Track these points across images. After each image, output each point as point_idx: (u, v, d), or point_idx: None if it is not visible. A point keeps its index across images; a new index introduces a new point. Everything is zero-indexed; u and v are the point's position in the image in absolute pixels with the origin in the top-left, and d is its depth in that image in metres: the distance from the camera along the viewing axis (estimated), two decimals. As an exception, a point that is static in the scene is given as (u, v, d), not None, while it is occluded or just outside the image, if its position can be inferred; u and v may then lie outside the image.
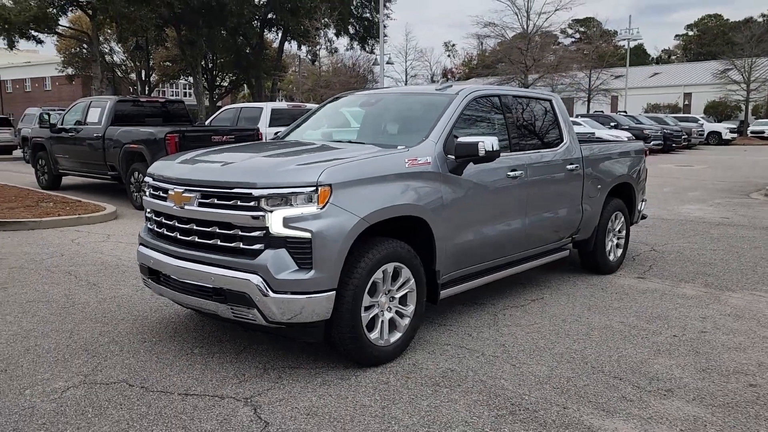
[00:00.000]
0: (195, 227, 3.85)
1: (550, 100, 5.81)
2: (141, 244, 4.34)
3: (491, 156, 4.34)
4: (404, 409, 3.37)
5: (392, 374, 3.83)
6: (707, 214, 10.42)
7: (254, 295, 3.55)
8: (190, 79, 46.98)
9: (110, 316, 4.89)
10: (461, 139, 4.33)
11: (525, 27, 19.74)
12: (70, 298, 5.39)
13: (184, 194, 3.86)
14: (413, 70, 46.32)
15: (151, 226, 4.31)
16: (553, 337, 4.54)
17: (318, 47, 36.27)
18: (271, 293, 3.51)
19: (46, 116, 12.68)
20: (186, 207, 3.85)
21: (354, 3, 38.85)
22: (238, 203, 3.63)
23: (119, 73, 50.85)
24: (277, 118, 13.24)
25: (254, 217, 3.57)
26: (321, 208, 3.56)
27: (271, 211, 3.54)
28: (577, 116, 33.46)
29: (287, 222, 3.52)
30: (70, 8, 28.76)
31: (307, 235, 3.51)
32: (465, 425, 3.21)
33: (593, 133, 25.11)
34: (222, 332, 4.52)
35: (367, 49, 41.02)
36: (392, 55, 63.95)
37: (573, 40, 71.75)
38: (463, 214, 4.46)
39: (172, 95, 60.78)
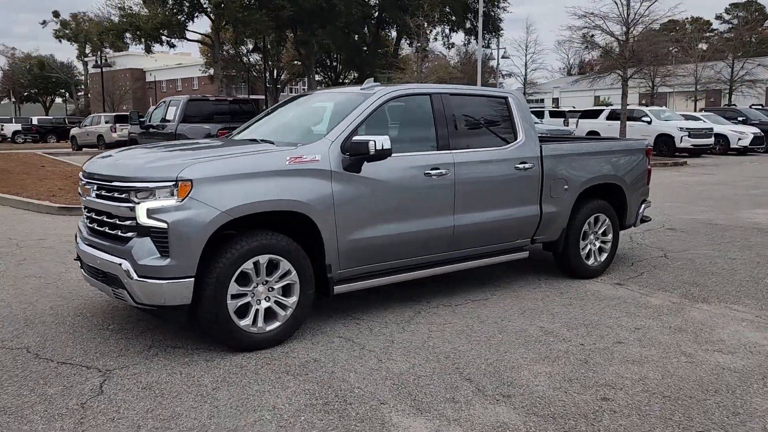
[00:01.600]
0: (94, 216, 4.33)
1: (505, 98, 5.67)
2: (76, 233, 4.90)
3: (382, 154, 4.42)
4: (231, 392, 3.59)
5: (255, 360, 4.05)
6: (770, 219, 9.42)
7: (123, 278, 3.94)
8: (317, 77, 49.15)
9: (75, 293, 5.53)
10: (355, 138, 4.44)
11: (625, 16, 18.55)
12: (62, 275, 6.14)
13: (85, 186, 4.34)
14: (534, 63, 44.85)
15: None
16: (451, 337, 4.51)
17: (427, 43, 36.43)
18: (135, 277, 3.88)
19: (134, 114, 14.12)
20: (87, 198, 4.33)
21: (469, -2, 38.56)
22: (116, 195, 4.04)
23: (254, 73, 54.23)
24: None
25: (127, 208, 3.96)
26: (180, 201, 3.87)
27: (139, 203, 3.90)
28: (700, 110, 30.91)
29: (150, 213, 3.87)
30: (196, 14, 31.35)
31: (164, 225, 3.83)
32: (270, 410, 3.37)
33: (711, 129, 23.23)
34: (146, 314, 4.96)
35: (483, 43, 40.48)
36: (508, 48, 62.06)
37: (730, 26, 65.64)
38: (361, 211, 4.55)
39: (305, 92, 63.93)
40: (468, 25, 41.23)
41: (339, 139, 4.51)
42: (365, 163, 4.53)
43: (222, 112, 13.35)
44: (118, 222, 4.06)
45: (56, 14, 70.80)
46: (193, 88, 68.46)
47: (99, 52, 39.05)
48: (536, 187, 5.63)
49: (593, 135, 25.06)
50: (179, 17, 29.74)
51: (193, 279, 3.91)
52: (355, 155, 4.44)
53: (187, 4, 29.76)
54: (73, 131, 30.98)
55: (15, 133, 40.28)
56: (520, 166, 5.48)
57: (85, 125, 30.00)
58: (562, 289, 5.80)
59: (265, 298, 4.24)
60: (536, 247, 6.08)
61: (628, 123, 23.32)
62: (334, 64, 48.78)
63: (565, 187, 5.84)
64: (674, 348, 4.33)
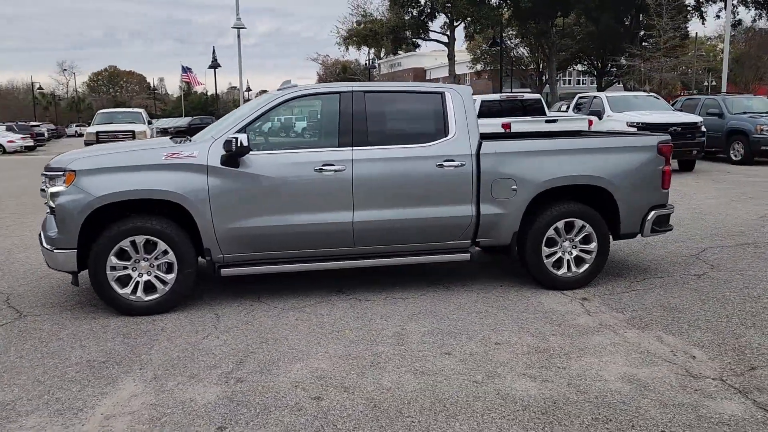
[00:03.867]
0: (49, 198, 5.56)
1: (441, 94, 5.46)
2: None
3: (241, 151, 4.84)
4: (60, 342, 4.44)
5: (122, 322, 4.82)
6: None
7: (40, 246, 5.08)
8: (578, 66, 47.32)
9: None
10: (228, 136, 4.92)
11: None
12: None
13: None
14: None
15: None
16: (296, 328, 4.67)
17: (687, 24, 32.18)
18: (44, 245, 4.98)
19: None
20: (46, 183, 5.58)
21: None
22: (43, 181, 5.18)
23: (522, 67, 54.15)
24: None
25: (45, 191, 5.08)
26: (67, 188, 4.84)
27: (49, 188, 4.98)
28: None
29: (52, 196, 4.92)
30: (437, 14, 32.69)
31: (54, 205, 4.85)
32: (50, 358, 4.13)
33: None
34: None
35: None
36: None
37: None
38: (240, 202, 4.99)
39: (568, 83, 61.74)
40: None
41: (223, 138, 5.02)
42: (245, 158, 4.96)
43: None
44: (46, 203, 5.21)
45: (359, 23, 79.59)
46: (465, 84, 71.18)
47: (369, 55, 43.46)
48: (468, 186, 5.34)
49: None
50: (422, 18, 31.55)
51: (75, 250, 4.86)
52: (228, 152, 4.91)
53: (429, 5, 31.34)
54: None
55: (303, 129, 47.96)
56: (445, 163, 5.27)
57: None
58: (504, 296, 5.41)
59: (147, 273, 4.99)
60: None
61: None
62: (601, 50, 46.20)
63: (513, 187, 5.40)
64: (488, 368, 3.94)
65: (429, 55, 75.74)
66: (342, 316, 4.96)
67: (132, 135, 19.27)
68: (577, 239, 5.59)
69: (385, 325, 4.75)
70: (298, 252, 5.24)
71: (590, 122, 12.07)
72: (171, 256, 4.97)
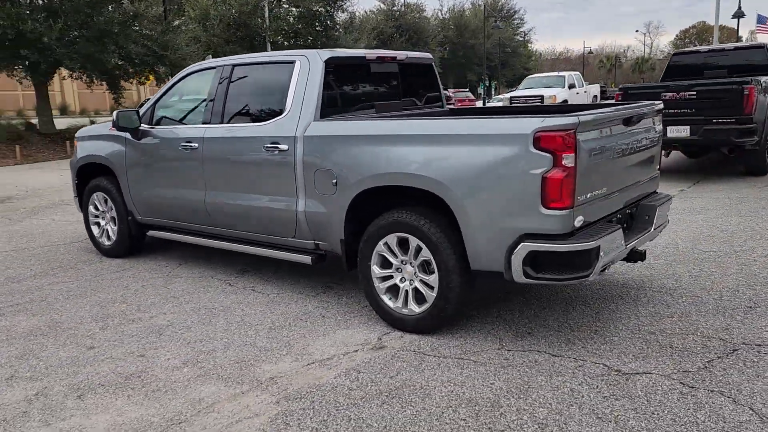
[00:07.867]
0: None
1: (292, 62, 4.51)
2: None
3: (118, 126, 5.36)
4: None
5: (72, 258, 6.13)
6: None
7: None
8: None
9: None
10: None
11: None
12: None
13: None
14: None
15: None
16: (102, 293, 5.07)
17: None
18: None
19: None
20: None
21: None
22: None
23: None
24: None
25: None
26: (75, 151, 6.35)
27: (84, 149, 6.61)
28: None
29: (74, 156, 6.54)
30: None
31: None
32: (-3, 273, 5.78)
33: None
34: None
35: None
36: None
37: None
38: (141, 171, 5.51)
39: None
40: None
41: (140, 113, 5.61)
42: (148, 131, 5.45)
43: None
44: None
45: None
46: None
47: None
48: (291, 174, 4.41)
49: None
50: None
51: (77, 198, 6.37)
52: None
53: None
54: None
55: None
56: (271, 146, 4.49)
57: None
58: (347, 317, 4.35)
59: (108, 224, 6.13)
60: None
61: None
62: None
63: (334, 181, 4.18)
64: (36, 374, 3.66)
65: None
66: (169, 294, 4.97)
67: (540, 100, 19.38)
68: (417, 264, 3.92)
69: (163, 310, 4.62)
70: (186, 224, 5.40)
71: None
72: (113, 213, 5.96)
